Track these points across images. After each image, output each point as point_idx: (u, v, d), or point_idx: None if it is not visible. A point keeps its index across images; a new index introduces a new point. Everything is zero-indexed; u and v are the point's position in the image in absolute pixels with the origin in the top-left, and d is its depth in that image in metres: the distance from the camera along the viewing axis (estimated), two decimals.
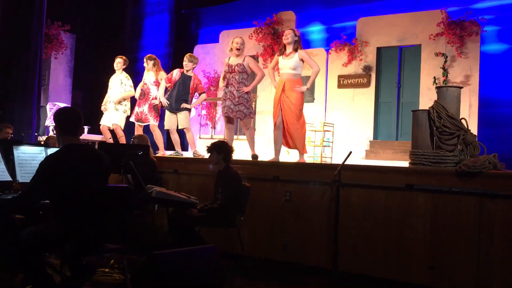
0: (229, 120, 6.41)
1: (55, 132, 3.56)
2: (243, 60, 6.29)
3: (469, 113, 8.65)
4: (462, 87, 5.23)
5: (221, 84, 6.50)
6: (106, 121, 7.70)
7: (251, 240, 5.26)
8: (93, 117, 11.24)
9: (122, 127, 7.71)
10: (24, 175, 3.87)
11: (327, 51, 10.62)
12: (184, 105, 6.88)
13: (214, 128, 11.61)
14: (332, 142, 9.63)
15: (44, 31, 10.29)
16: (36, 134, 9.70)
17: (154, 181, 5.41)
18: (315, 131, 9.79)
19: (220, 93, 11.50)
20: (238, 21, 11.96)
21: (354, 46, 10.10)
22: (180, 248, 3.93)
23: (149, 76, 7.46)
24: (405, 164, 5.59)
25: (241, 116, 6.24)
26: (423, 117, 4.79)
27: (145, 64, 7.50)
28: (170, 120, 7.01)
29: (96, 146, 5.38)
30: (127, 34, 12.82)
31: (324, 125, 9.60)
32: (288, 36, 6.00)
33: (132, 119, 7.51)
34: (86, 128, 9.89)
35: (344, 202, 4.68)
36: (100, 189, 3.35)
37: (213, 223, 4.84)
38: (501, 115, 8.95)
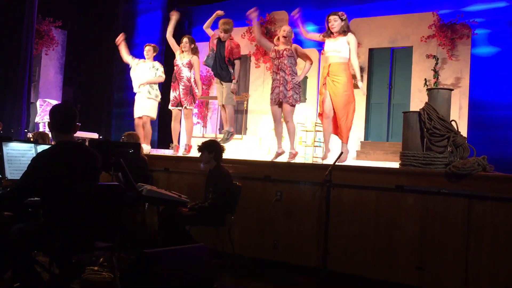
0: (276, 110, 6.11)
1: (49, 129, 3.54)
2: (291, 46, 6.09)
3: (459, 115, 8.70)
4: (453, 89, 5.27)
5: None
6: (139, 113, 7.34)
7: (242, 239, 5.26)
8: (84, 114, 11.18)
9: (155, 117, 7.48)
10: (13, 172, 3.84)
11: (319, 51, 10.62)
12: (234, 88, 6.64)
13: (205, 127, 11.58)
14: (323, 143, 9.64)
15: (35, 27, 10.22)
16: (25, 130, 9.64)
17: (144, 179, 5.40)
18: (306, 131, 9.81)
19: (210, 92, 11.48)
20: (231, 20, 11.93)
21: None
22: (170, 247, 3.92)
23: (182, 57, 7.12)
24: (395, 165, 5.61)
25: (292, 101, 5.92)
26: (414, 119, 4.82)
27: (183, 45, 7.16)
28: (218, 92, 6.82)
29: (87, 143, 5.36)
30: (119, 31, 12.72)
31: (315, 125, 9.61)
32: (334, 25, 5.69)
33: (170, 106, 7.19)
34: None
35: (335, 202, 4.69)
36: (91, 187, 3.33)
37: (204, 222, 4.84)
38: (490, 117, 9.02)
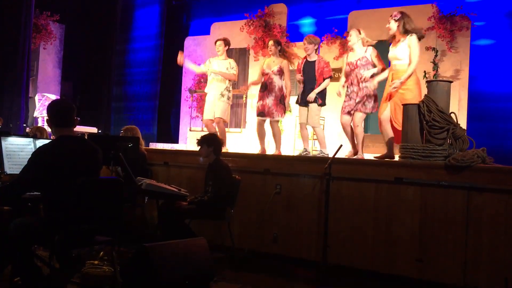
0: (347, 119, 5.95)
1: (48, 125, 3.56)
2: (365, 52, 5.85)
3: (458, 107, 8.69)
4: (452, 81, 5.25)
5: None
6: (208, 115, 6.87)
7: (241, 233, 5.27)
8: (83, 108, 11.16)
9: (227, 119, 6.97)
10: (12, 166, 3.83)
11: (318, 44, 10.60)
12: (311, 96, 6.11)
13: None
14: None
15: (32, 21, 10.17)
16: (24, 125, 9.62)
17: (144, 173, 5.40)
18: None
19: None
20: (229, 13, 11.90)
21: (345, 40, 10.09)
22: (170, 240, 3.93)
23: (271, 64, 6.55)
24: (395, 157, 5.62)
25: (367, 110, 5.80)
26: (413, 111, 4.81)
27: (269, 49, 6.58)
28: (301, 114, 6.38)
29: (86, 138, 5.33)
30: (117, 25, 12.71)
31: None
32: (389, 26, 5.47)
33: (255, 113, 6.80)
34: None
35: (334, 195, 4.70)
36: (90, 181, 3.33)
37: (203, 215, 4.84)
38: (490, 109, 9.01)
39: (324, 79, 6.18)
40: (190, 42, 12.10)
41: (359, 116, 5.86)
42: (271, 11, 10.91)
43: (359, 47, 5.96)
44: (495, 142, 8.29)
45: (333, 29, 10.37)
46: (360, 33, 5.98)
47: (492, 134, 8.62)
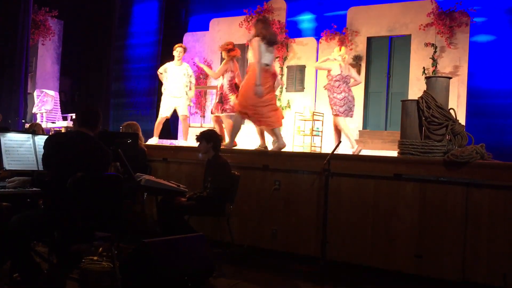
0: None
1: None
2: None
3: (457, 104, 8.70)
4: (451, 78, 5.26)
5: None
6: (168, 113, 7.49)
7: (240, 229, 5.27)
8: (81, 105, 11.13)
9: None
10: (11, 162, 3.83)
11: (317, 40, 10.60)
12: None
13: (204, 117, 11.55)
14: (321, 132, 9.65)
15: (31, 17, 10.14)
16: (23, 121, 9.60)
17: (143, 169, 5.39)
18: (304, 120, 9.81)
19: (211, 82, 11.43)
20: (228, 9, 11.88)
21: (345, 36, 10.09)
22: (169, 236, 3.93)
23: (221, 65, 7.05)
24: (394, 153, 5.62)
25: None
26: (412, 107, 4.81)
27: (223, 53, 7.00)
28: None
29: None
30: (116, 21, 12.68)
31: (313, 114, 9.61)
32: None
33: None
34: (69, 116, 9.66)
35: (333, 191, 4.69)
36: (90, 177, 3.33)
37: (202, 211, 4.84)
38: (489, 105, 9.03)
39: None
40: (189, 38, 12.07)
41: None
42: (270, 7, 10.90)
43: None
44: (493, 138, 8.31)
45: (332, 25, 10.36)
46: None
47: (490, 130, 8.64)
